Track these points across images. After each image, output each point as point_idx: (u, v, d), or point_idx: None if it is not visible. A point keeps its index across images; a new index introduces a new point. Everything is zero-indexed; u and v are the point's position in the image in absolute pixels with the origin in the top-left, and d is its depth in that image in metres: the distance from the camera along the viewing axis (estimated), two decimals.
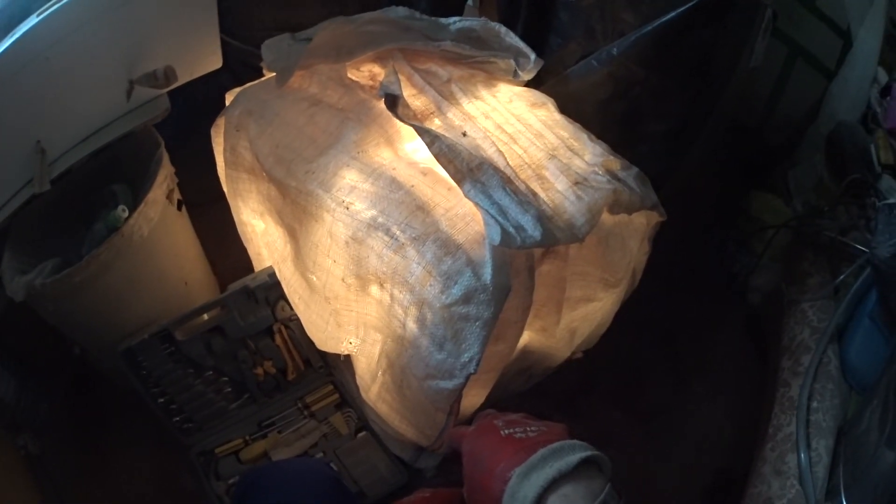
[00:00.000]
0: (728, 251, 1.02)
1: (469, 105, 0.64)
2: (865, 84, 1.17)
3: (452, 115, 0.62)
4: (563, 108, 0.71)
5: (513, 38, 0.71)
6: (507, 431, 0.44)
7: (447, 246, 0.55)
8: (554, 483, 0.38)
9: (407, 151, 0.62)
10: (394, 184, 0.58)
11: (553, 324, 0.68)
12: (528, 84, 0.73)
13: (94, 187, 0.79)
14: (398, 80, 0.63)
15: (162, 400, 0.77)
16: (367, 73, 0.69)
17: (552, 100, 0.70)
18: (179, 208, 0.80)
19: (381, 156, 0.60)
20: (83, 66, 0.70)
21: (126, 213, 0.71)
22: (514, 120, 0.65)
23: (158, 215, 0.74)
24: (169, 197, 0.77)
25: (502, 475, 0.40)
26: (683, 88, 0.76)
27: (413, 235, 0.56)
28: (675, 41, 0.72)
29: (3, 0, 0.76)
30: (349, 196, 0.58)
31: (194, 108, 0.86)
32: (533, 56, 0.71)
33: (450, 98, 0.64)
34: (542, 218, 0.56)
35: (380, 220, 0.57)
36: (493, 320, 0.55)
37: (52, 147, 0.71)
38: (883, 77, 1.20)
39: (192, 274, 0.80)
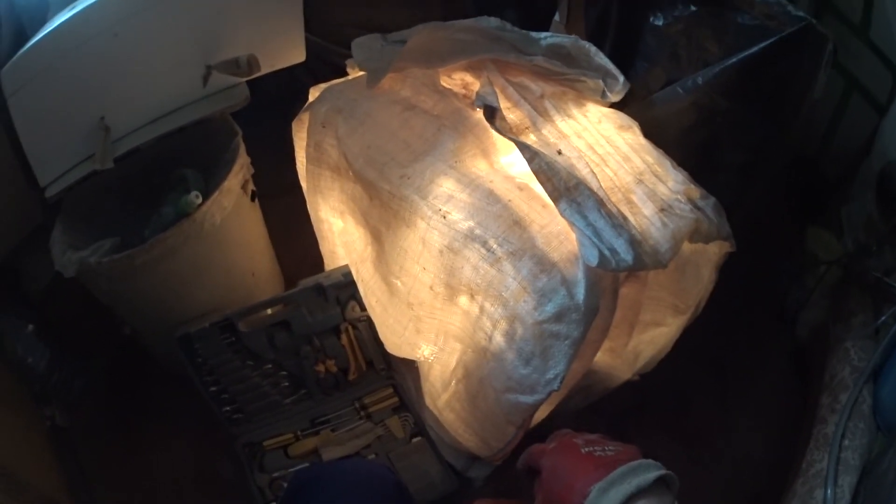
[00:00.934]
0: (782, 284, 1.03)
1: (562, 123, 0.65)
2: None
3: (547, 131, 0.62)
4: (647, 133, 0.72)
5: (602, 59, 0.72)
6: (586, 449, 0.46)
7: (543, 263, 0.56)
8: (631, 498, 0.41)
9: (502, 165, 0.63)
10: (491, 196, 0.58)
11: (622, 345, 0.68)
12: (614, 106, 0.73)
13: (161, 170, 0.79)
14: (494, 92, 0.63)
15: (214, 388, 0.76)
16: (459, 81, 0.69)
17: (637, 123, 0.70)
18: (253, 199, 0.80)
19: (478, 167, 0.60)
20: (155, 45, 0.69)
21: (199, 200, 0.70)
22: (603, 141, 0.65)
23: (232, 205, 0.74)
24: (244, 187, 0.76)
25: (582, 490, 0.42)
26: (762, 121, 0.77)
27: (510, 250, 0.56)
28: (757, 75, 0.73)
29: None
30: (446, 205, 0.58)
31: (269, 99, 0.86)
32: (621, 78, 0.71)
33: (544, 114, 0.64)
34: (634, 242, 0.57)
35: (477, 231, 0.57)
36: (581, 339, 0.56)
37: (117, 125, 0.70)
38: None
39: (259, 265, 0.80)
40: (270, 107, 0.83)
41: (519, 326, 0.56)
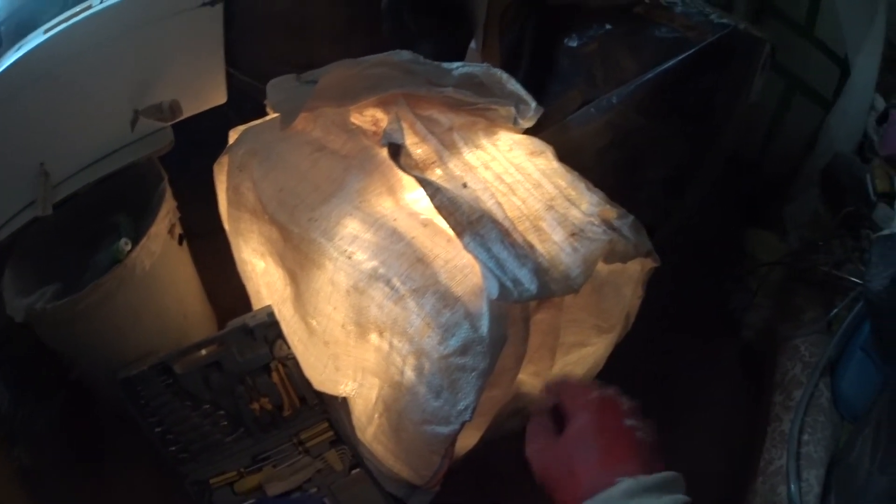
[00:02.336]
0: (723, 289, 1.03)
1: (470, 155, 0.65)
2: (863, 113, 1.17)
3: (454, 165, 0.63)
4: (563, 156, 0.72)
5: (514, 85, 0.72)
6: (629, 422, 0.44)
7: (446, 298, 0.56)
8: None
9: (408, 201, 0.64)
10: (395, 235, 0.59)
11: (546, 368, 0.69)
12: (529, 131, 0.74)
13: (98, 215, 0.80)
14: (401, 129, 0.64)
15: (159, 429, 0.78)
16: (370, 117, 0.70)
17: (551, 147, 0.71)
18: (180, 242, 0.81)
19: (383, 205, 0.61)
20: (88, 90, 0.70)
21: (129, 246, 0.72)
22: (513, 170, 0.66)
23: (160, 249, 0.75)
24: (171, 231, 0.78)
25: (610, 474, 0.40)
26: (683, 135, 0.77)
27: (413, 287, 0.57)
28: (675, 88, 0.73)
29: (9, 9, 0.76)
30: (351, 246, 0.59)
31: (195, 138, 0.87)
32: (533, 104, 0.72)
33: (451, 147, 0.65)
34: (539, 271, 0.58)
35: (381, 271, 0.58)
36: (488, 371, 0.56)
37: (55, 171, 0.72)
38: (880, 104, 1.21)
39: (191, 307, 0.81)
40: (199, 145, 0.84)
41: (426, 361, 0.57)
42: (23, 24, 0.75)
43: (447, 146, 0.65)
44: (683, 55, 0.70)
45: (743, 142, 1.15)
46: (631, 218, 0.67)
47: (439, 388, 0.57)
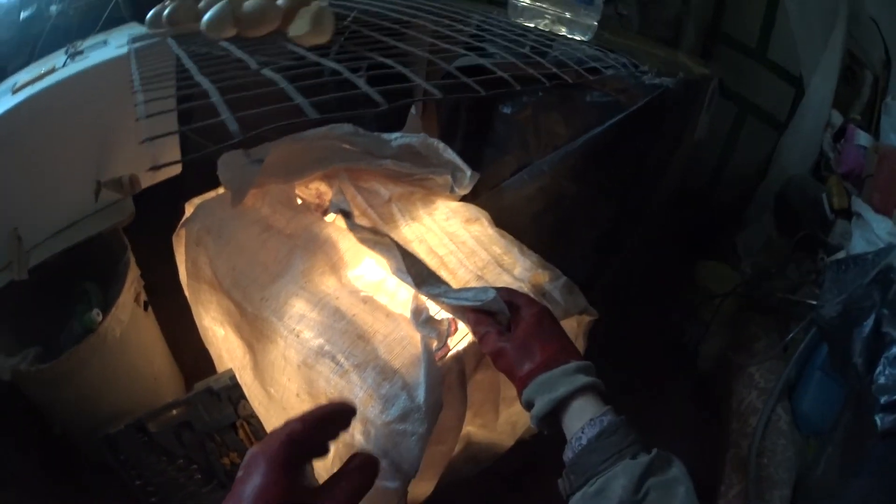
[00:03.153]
0: (675, 323, 1.08)
1: (406, 228, 0.70)
2: (818, 132, 1.19)
3: (392, 238, 0.68)
4: (499, 220, 0.76)
5: (450, 154, 0.76)
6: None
7: (385, 371, 0.61)
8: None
9: (349, 279, 0.68)
10: (337, 313, 0.63)
11: (492, 420, 0.74)
12: (466, 197, 0.78)
13: (69, 279, 0.85)
14: (346, 199, 0.68)
15: (139, 482, 0.83)
16: (314, 190, 0.74)
17: (486, 214, 0.75)
18: (146, 309, 0.86)
19: (327, 284, 0.66)
20: (56, 157, 0.74)
21: (100, 317, 0.77)
22: (447, 240, 0.70)
23: (128, 317, 0.80)
24: (136, 299, 0.82)
25: (564, 354, 0.54)
26: (614, 197, 0.80)
27: (355, 363, 0.61)
28: (606, 153, 0.77)
29: None
30: (299, 324, 0.63)
31: (158, 198, 0.91)
32: (469, 172, 0.76)
33: (389, 220, 0.70)
34: None
35: (326, 348, 0.62)
36: (427, 434, 0.61)
37: (28, 236, 0.76)
38: (837, 119, 1.22)
39: (160, 368, 0.86)
40: (161, 205, 0.88)
41: (371, 428, 0.62)
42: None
43: (385, 219, 0.69)
44: (612, 120, 0.74)
45: (691, 174, 1.18)
46: (563, 279, 0.71)
47: (385, 450, 0.62)
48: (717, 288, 1.07)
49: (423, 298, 0.61)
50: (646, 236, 0.89)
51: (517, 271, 0.70)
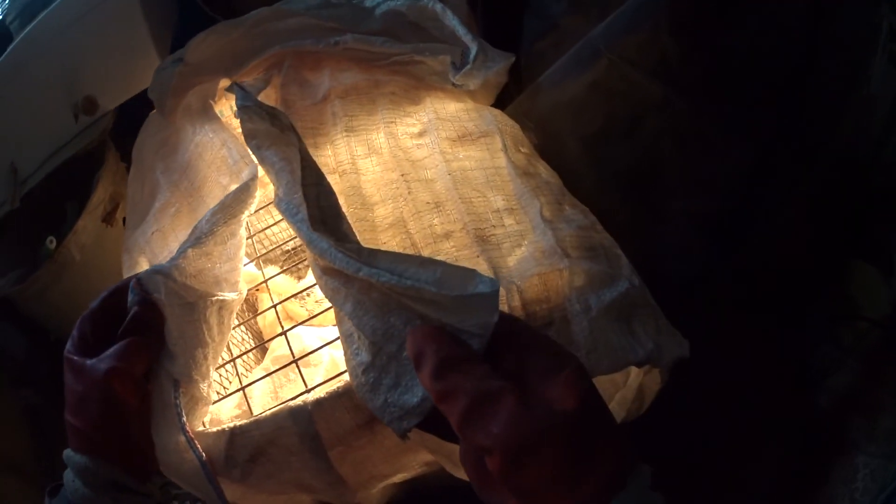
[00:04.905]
0: (808, 339, 0.68)
1: (342, 139, 0.45)
2: None
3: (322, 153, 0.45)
4: (541, 137, 0.45)
5: (451, 20, 0.47)
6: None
7: None
8: None
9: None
10: None
11: None
12: (507, 94, 0.49)
13: (58, 202, 0.82)
14: (261, 86, 0.47)
15: None
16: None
17: (515, 127, 0.45)
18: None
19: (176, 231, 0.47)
20: (39, 93, 0.73)
21: (53, 245, 0.73)
22: (409, 167, 0.45)
23: (91, 240, 0.74)
24: (107, 219, 0.75)
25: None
26: (747, 126, 0.43)
27: None
28: (730, 27, 0.40)
29: (21, 4, 0.79)
30: None
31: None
32: (475, 47, 0.45)
33: (319, 130, 0.47)
34: None
35: None
36: None
37: (22, 167, 0.76)
38: None
39: None
40: None
41: None
42: (34, 17, 0.77)
43: (316, 129, 0.47)
44: None
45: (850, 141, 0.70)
46: (626, 285, 0.37)
47: None
48: (866, 303, 0.63)
49: (313, 261, 0.36)
50: (782, 231, 0.50)
51: (528, 248, 0.39)
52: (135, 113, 0.74)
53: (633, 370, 0.43)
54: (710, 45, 0.41)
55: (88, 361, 0.36)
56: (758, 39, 0.43)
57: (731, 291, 0.52)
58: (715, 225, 0.48)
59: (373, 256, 0.31)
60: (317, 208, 0.34)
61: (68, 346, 0.38)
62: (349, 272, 0.31)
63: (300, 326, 0.51)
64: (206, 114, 0.49)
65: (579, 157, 0.48)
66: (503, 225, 0.42)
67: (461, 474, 0.41)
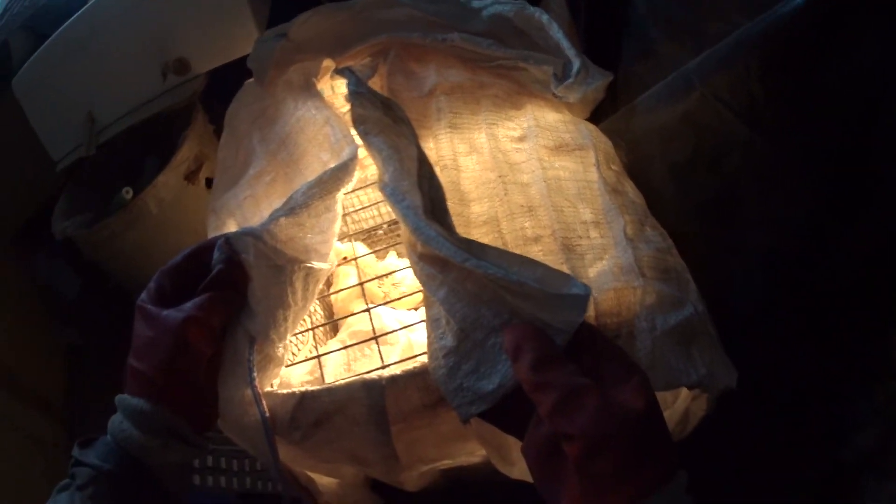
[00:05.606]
0: (840, 393, 0.66)
1: (445, 136, 0.46)
2: None
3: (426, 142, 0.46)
4: (631, 158, 0.47)
5: (556, 32, 0.49)
6: None
7: None
8: None
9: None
10: None
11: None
12: (599, 114, 0.50)
13: (140, 155, 0.86)
14: (368, 72, 0.48)
15: None
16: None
17: (608, 144, 0.47)
18: (210, 185, 0.81)
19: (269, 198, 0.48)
20: (124, 47, 0.76)
21: (130, 195, 0.76)
22: (507, 169, 0.46)
23: (171, 195, 0.76)
24: (190, 177, 0.77)
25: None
26: (824, 162, 0.43)
27: None
28: (810, 59, 0.39)
29: None
30: None
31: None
32: (577, 62, 0.47)
33: (423, 123, 0.48)
34: None
35: None
36: None
37: (101, 117, 0.80)
38: None
39: None
40: None
41: None
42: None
43: (420, 121, 0.48)
44: None
45: None
46: (690, 311, 0.38)
47: None
48: None
49: (410, 248, 0.38)
50: (868, 250, 0.50)
51: (608, 262, 0.41)
52: (227, 79, 0.77)
53: (683, 392, 0.44)
54: (796, 90, 0.42)
55: (164, 311, 0.35)
56: (842, 84, 0.43)
57: (786, 329, 0.52)
58: (782, 262, 0.48)
59: (482, 250, 0.33)
60: (428, 199, 0.35)
61: (142, 296, 0.37)
62: (455, 261, 0.32)
63: (381, 307, 0.53)
64: (309, 91, 0.51)
65: (664, 181, 0.49)
66: (588, 237, 0.44)
67: (505, 468, 0.43)
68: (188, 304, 0.36)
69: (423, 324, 0.38)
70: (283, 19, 0.56)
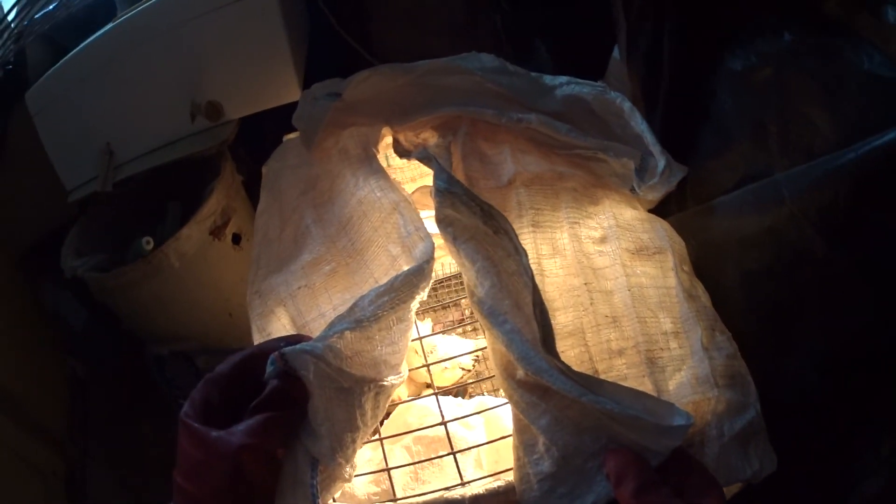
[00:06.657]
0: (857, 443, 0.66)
1: (528, 235, 0.42)
2: None
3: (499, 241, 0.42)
4: (700, 257, 0.45)
5: (639, 124, 0.45)
6: None
7: None
8: None
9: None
10: None
11: None
12: (663, 207, 0.47)
13: (161, 199, 0.81)
14: (449, 159, 0.44)
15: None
16: (420, 142, 0.50)
17: (681, 244, 0.45)
18: (236, 241, 0.76)
19: (329, 291, 0.43)
20: (150, 80, 0.70)
21: (150, 247, 0.71)
22: (591, 276, 0.42)
23: (194, 249, 0.72)
24: (215, 232, 0.73)
25: None
26: (880, 282, 0.43)
27: None
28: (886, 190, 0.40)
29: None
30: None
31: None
32: (662, 160, 0.44)
33: (503, 211, 0.44)
34: None
35: None
36: None
37: (120, 151, 0.74)
38: None
39: (238, 308, 0.77)
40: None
41: None
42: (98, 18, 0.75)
43: (501, 208, 0.44)
44: None
45: None
46: (752, 416, 0.38)
47: None
48: None
49: (505, 373, 0.35)
50: None
51: (686, 373, 0.39)
52: (256, 126, 0.73)
53: None
54: (879, 221, 0.40)
55: (214, 433, 0.32)
56: None
57: (828, 425, 0.53)
58: (832, 368, 0.49)
59: (599, 386, 0.33)
60: (541, 328, 0.33)
61: (186, 409, 0.34)
62: (569, 395, 0.32)
63: (428, 398, 0.49)
64: (371, 165, 0.47)
65: (734, 285, 0.47)
66: (669, 348, 0.42)
67: None
68: (242, 427, 0.32)
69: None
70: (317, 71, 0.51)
